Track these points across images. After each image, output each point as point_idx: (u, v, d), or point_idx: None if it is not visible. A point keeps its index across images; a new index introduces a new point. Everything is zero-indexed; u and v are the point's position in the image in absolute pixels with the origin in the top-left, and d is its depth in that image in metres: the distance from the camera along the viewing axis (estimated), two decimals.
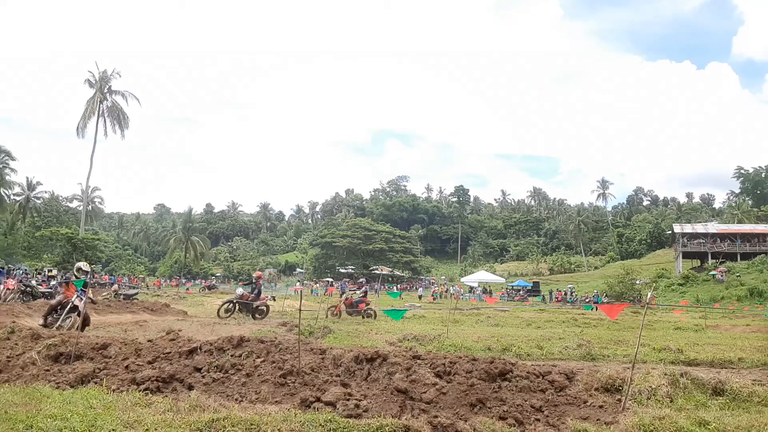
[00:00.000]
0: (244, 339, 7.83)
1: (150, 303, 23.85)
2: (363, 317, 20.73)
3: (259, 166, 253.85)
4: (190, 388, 6.43)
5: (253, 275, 20.64)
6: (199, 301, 31.56)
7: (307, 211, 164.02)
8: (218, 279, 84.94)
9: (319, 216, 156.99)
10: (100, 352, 7.86)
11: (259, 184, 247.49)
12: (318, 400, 6.04)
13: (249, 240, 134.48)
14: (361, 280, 25.49)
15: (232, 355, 7.43)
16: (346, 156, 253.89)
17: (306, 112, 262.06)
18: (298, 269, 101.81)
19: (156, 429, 4.44)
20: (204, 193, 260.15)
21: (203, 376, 6.95)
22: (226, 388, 6.64)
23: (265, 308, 19.93)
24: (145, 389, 6.25)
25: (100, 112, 66.80)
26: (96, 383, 6.60)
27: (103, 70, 67.42)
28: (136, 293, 30.79)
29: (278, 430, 4.56)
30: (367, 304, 21.52)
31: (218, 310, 19.56)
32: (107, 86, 67.18)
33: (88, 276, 15.22)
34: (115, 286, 33.40)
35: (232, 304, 19.51)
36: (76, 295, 12.81)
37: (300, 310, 7.17)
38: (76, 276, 14.23)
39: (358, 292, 22.18)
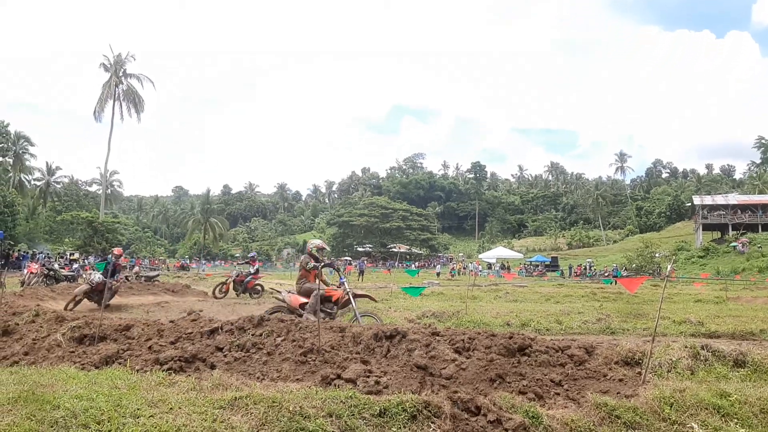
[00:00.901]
0: (265, 318, 7.89)
1: (171, 284, 24.13)
2: (251, 296, 20.52)
3: (275, 146, 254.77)
4: (213, 367, 6.51)
5: (111, 254, 17.91)
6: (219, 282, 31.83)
7: (323, 190, 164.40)
8: (237, 259, 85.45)
9: (335, 195, 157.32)
10: (123, 333, 7.98)
11: (275, 164, 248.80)
12: (338, 377, 6.08)
13: (267, 220, 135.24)
14: (252, 254, 24.05)
15: (252, 335, 7.49)
16: (362, 134, 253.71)
17: (321, 91, 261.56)
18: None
19: (180, 407, 4.51)
20: (221, 175, 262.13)
21: (225, 356, 7.01)
22: (247, 367, 6.69)
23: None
24: (168, 369, 6.33)
25: (116, 95, 67.19)
26: (120, 364, 6.70)
27: (117, 53, 67.66)
28: (157, 275, 31.12)
29: (300, 407, 4.60)
30: (257, 281, 21.35)
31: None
32: (122, 70, 67.46)
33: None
34: (136, 269, 33.76)
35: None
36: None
37: (318, 289, 7.22)
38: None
39: (251, 269, 21.55)
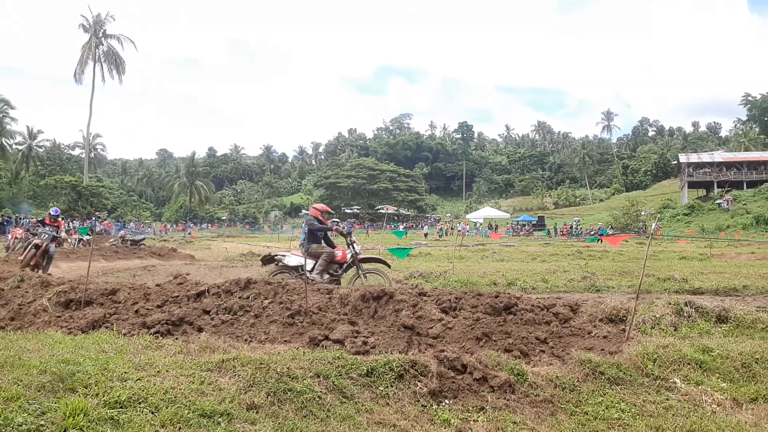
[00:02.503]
0: (251, 281, 7.89)
1: (157, 248, 24.08)
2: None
3: (260, 108, 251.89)
4: (200, 330, 6.52)
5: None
6: (206, 245, 31.83)
7: (310, 152, 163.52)
8: (224, 222, 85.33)
9: (322, 157, 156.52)
10: (109, 297, 7.95)
11: (261, 126, 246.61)
12: (326, 338, 6.12)
13: (253, 183, 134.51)
14: (54, 210, 15.17)
15: (239, 297, 7.49)
16: (349, 95, 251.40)
17: (306, 51, 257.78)
18: (303, 211, 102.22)
19: (167, 370, 4.51)
20: (206, 137, 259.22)
21: (212, 319, 7.02)
22: (235, 330, 6.71)
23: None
24: (156, 332, 6.33)
25: (97, 57, 65.86)
26: (107, 328, 6.69)
27: (96, 13, 66.09)
28: (143, 239, 31.01)
29: (287, 368, 4.62)
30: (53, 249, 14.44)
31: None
32: (102, 30, 66.05)
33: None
34: (122, 232, 33.59)
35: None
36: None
37: (305, 252, 7.18)
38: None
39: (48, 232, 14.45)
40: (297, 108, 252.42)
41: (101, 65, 66.25)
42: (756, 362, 5.52)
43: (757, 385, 5.14)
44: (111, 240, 29.00)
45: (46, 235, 13.80)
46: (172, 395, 3.99)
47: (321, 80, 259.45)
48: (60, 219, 14.80)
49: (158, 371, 4.49)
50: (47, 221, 14.47)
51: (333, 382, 4.57)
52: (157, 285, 8.48)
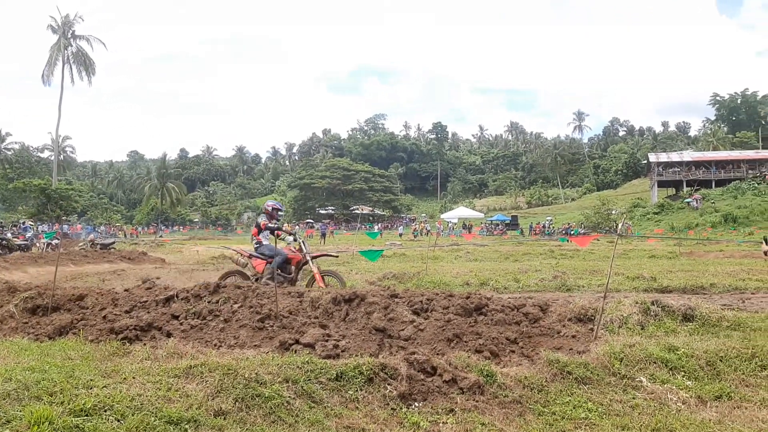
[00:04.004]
0: (221, 285, 7.83)
1: (127, 252, 23.76)
2: None
3: (233, 108, 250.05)
4: (169, 335, 6.45)
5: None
6: (178, 248, 31.50)
7: (284, 152, 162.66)
8: (196, 225, 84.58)
9: (296, 157, 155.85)
10: (77, 303, 7.82)
11: (234, 127, 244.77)
12: (297, 342, 6.10)
13: (226, 184, 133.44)
14: None
15: (209, 302, 7.43)
16: (323, 95, 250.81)
17: (280, 51, 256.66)
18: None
19: (134, 377, 4.46)
20: (178, 138, 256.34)
21: (181, 324, 6.95)
22: (204, 335, 6.65)
23: None
24: (124, 338, 6.25)
25: (65, 58, 64.76)
26: (74, 334, 6.59)
27: (65, 14, 64.99)
28: (113, 242, 30.58)
29: (255, 373, 4.61)
30: None
31: None
32: (71, 31, 64.93)
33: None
34: (92, 236, 33.09)
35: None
36: None
37: (275, 254, 7.14)
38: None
39: None
40: (271, 108, 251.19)
41: (70, 67, 65.15)
42: (720, 360, 5.63)
43: (722, 383, 5.24)
44: (80, 244, 28.56)
45: None
46: (138, 402, 3.95)
47: (295, 80, 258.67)
48: None
49: (125, 378, 4.44)
50: None
51: (302, 386, 4.56)
52: (126, 290, 8.37)
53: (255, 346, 6.17)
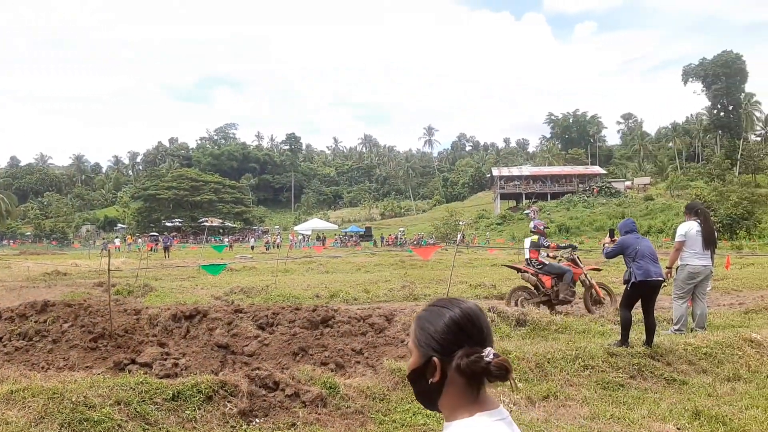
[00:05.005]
0: (49, 303, 7.28)
1: None
2: None
3: (70, 114, 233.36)
4: None
5: None
6: (6, 263, 28.76)
7: (127, 162, 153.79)
8: (28, 239, 77.84)
9: (140, 167, 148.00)
10: None
11: (70, 134, 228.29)
12: (133, 362, 5.80)
13: (62, 195, 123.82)
14: None
15: (36, 321, 6.90)
16: (170, 103, 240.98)
17: (123, 55, 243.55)
18: (120, 224, 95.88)
19: None
20: (8, 146, 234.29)
21: (4, 346, 6.44)
22: (30, 357, 6.20)
23: None
24: None
25: None
26: None
27: None
28: None
29: (84, 396, 4.31)
30: None
31: None
32: None
33: None
34: None
35: None
36: None
37: (109, 269, 6.70)
38: None
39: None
40: (113, 115, 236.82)
41: None
42: (548, 362, 6.04)
43: (549, 384, 5.62)
44: None
45: None
46: None
47: (140, 86, 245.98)
48: None
49: None
50: None
51: (135, 408, 4.33)
52: None
53: (87, 367, 5.84)
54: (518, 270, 10.85)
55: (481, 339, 1.41)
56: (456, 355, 1.37)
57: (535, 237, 10.78)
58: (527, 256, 10.76)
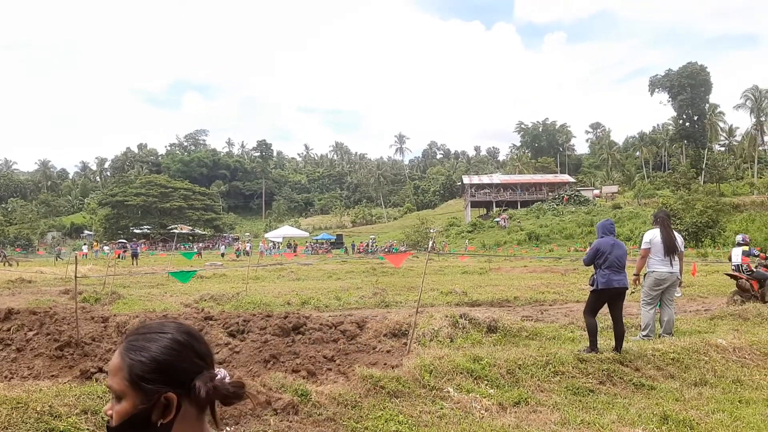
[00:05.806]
0: (13, 311, 7.11)
1: None
2: None
3: (36, 118, 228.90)
4: None
5: None
6: None
7: (94, 167, 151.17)
8: None
9: (108, 173, 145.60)
10: None
11: (36, 139, 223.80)
12: (100, 370, 5.69)
13: (27, 201, 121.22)
14: None
15: None
16: (139, 108, 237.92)
17: (91, 59, 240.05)
18: (86, 231, 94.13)
19: None
20: None
21: None
22: None
23: None
24: None
25: None
26: None
27: None
28: None
29: (49, 406, 4.21)
30: None
31: None
32: None
33: None
34: None
35: None
36: None
37: (76, 276, 6.56)
38: None
39: None
40: (80, 120, 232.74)
41: None
42: (519, 368, 6.09)
43: (520, 389, 5.66)
44: None
45: None
46: None
47: (108, 91, 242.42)
48: None
49: None
50: None
51: (102, 417, 4.22)
52: None
53: (52, 376, 5.71)
54: (736, 278, 12.32)
55: (211, 357, 1.27)
56: (197, 383, 1.18)
57: (746, 247, 12.61)
58: (738, 262, 12.47)
